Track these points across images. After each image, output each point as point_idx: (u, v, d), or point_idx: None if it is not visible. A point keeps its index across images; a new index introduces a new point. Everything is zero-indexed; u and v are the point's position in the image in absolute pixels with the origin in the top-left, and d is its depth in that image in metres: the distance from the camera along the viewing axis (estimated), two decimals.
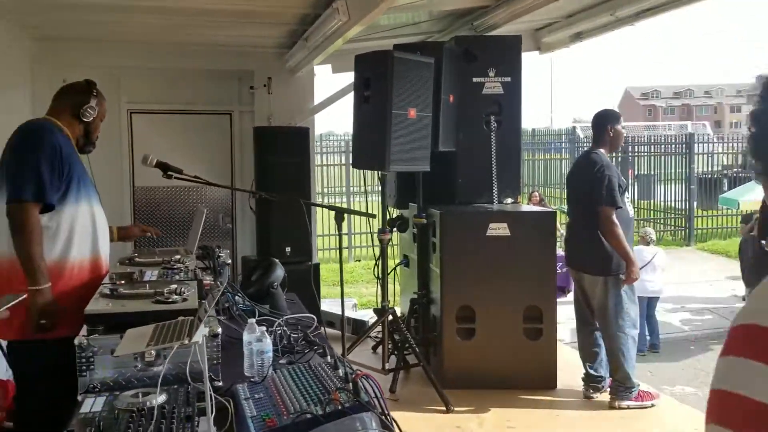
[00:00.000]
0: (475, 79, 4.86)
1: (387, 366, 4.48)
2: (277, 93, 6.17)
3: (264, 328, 2.32)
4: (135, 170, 6.12)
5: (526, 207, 5.11)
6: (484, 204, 4.87)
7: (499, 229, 4.41)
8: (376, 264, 4.86)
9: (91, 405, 1.96)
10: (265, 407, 1.91)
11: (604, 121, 4.43)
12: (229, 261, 3.40)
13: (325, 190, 12.05)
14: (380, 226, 4.36)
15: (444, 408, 4.15)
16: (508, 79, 4.88)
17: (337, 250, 10.61)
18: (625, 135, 4.71)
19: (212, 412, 1.89)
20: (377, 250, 4.55)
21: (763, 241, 3.07)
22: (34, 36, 5.52)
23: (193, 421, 1.83)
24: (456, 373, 4.48)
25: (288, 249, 5.25)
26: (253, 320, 2.38)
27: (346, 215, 3.02)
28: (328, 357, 2.48)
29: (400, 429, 1.95)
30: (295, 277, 5.10)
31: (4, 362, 2.82)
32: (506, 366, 4.45)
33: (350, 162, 11.73)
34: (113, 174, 5.92)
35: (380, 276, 5.29)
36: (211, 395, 1.85)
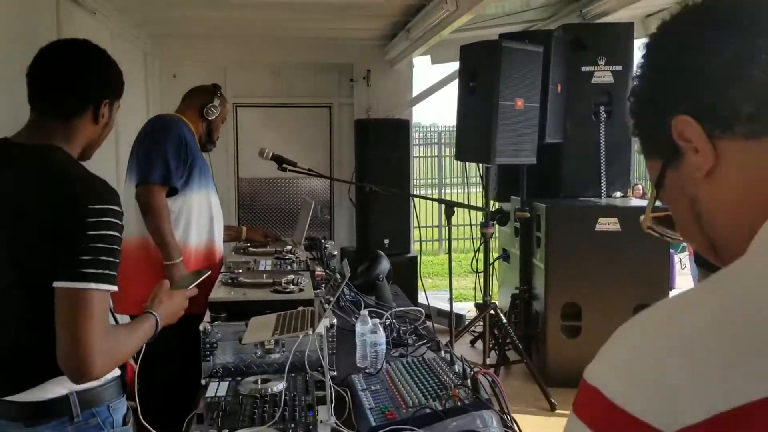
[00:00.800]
0: (584, 68, 4.69)
1: (487, 361, 4.41)
2: (376, 85, 6.20)
3: (377, 320, 2.32)
4: (240, 162, 6.30)
5: (636, 201, 4.88)
6: (591, 198, 4.70)
7: (609, 225, 4.24)
8: (474, 257, 4.79)
9: (216, 389, 2.01)
10: (383, 400, 1.90)
11: None
12: (335, 252, 3.43)
13: (419, 182, 11.97)
14: (482, 219, 4.28)
15: (548, 407, 4.04)
16: (619, 67, 4.67)
17: (434, 242, 10.63)
18: None
19: (332, 402, 1.90)
20: (470, 243, 4.47)
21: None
22: (148, 32, 5.77)
23: (314, 409, 1.84)
24: (559, 372, 4.35)
25: (387, 241, 5.25)
26: (366, 312, 2.38)
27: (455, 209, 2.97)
28: (442, 351, 2.46)
29: (519, 428, 1.90)
30: (394, 269, 5.16)
31: None
32: None
33: (448, 154, 11.72)
34: (220, 165, 6.12)
35: (481, 270, 5.26)
36: (330, 385, 1.87)
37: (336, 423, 1.81)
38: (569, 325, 4.36)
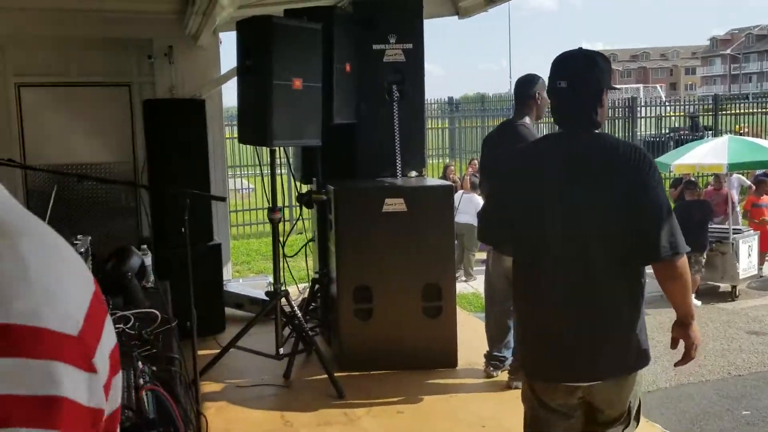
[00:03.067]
0: (375, 47, 4.60)
1: (281, 351, 4.28)
2: (179, 62, 5.81)
3: None
4: (26, 148, 5.72)
5: (431, 180, 4.91)
6: (387, 178, 4.65)
7: (395, 205, 4.21)
8: (282, 244, 4.64)
9: None
10: None
11: (528, 88, 4.09)
12: (84, 249, 3.12)
13: (234, 164, 11.46)
14: (269, 205, 4.11)
15: (335, 393, 3.98)
16: (410, 45, 4.63)
17: (243, 227, 10.32)
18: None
19: None
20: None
21: None
22: None
23: None
24: (355, 356, 4.31)
25: (183, 229, 4.93)
26: None
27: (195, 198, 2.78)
28: (163, 361, 2.27)
29: None
30: (193, 258, 4.88)
31: None
32: (406, 346, 4.30)
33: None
34: (5, 152, 5.51)
35: (290, 255, 5.11)
36: None
37: None
38: (361, 308, 4.31)
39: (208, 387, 4.20)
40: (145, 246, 3.26)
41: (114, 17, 5.56)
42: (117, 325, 2.50)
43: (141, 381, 1.84)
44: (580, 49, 2.36)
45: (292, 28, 3.84)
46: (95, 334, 0.61)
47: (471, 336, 4.63)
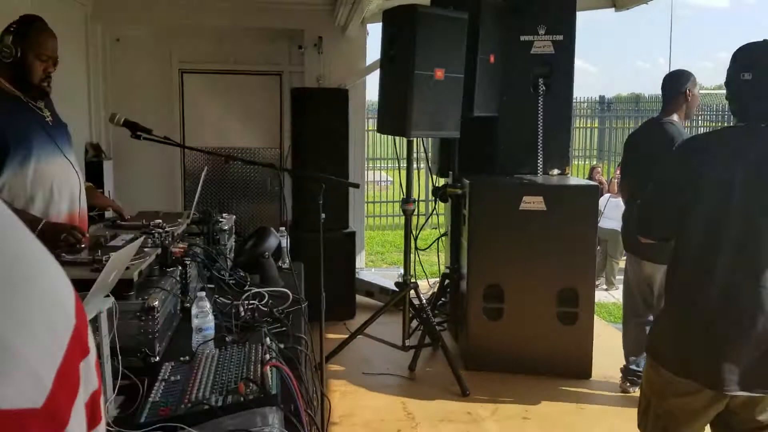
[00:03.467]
0: (522, 38, 4.44)
1: (407, 343, 4.27)
2: (327, 53, 5.97)
3: (207, 303, 2.15)
4: (186, 130, 6.12)
5: (574, 180, 4.67)
6: (527, 175, 4.49)
7: (533, 203, 4.04)
8: (414, 236, 4.64)
9: None
10: (172, 393, 1.75)
11: (678, 84, 3.83)
12: (228, 227, 3.25)
13: (375, 156, 11.54)
14: (404, 196, 4.10)
15: (459, 391, 3.90)
16: (560, 37, 4.42)
17: (379, 219, 10.39)
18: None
19: (114, 392, 1.75)
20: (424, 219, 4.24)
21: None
22: None
23: None
24: (481, 355, 4.21)
25: (323, 215, 5.05)
26: (203, 293, 2.21)
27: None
28: (291, 339, 2.31)
29: (319, 427, 1.75)
30: (329, 244, 4.98)
31: None
32: (536, 351, 4.13)
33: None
34: (167, 133, 5.92)
35: (422, 248, 5.09)
36: (111, 373, 1.72)
37: (109, 418, 1.66)
38: (491, 307, 4.19)
39: (334, 370, 4.28)
40: (283, 228, 3.34)
41: (270, 8, 5.81)
42: (251, 301, 2.58)
43: (267, 356, 1.87)
44: (766, 40, 2.16)
45: (436, 17, 3.78)
46: (70, 391, 0.47)
47: (607, 347, 4.37)
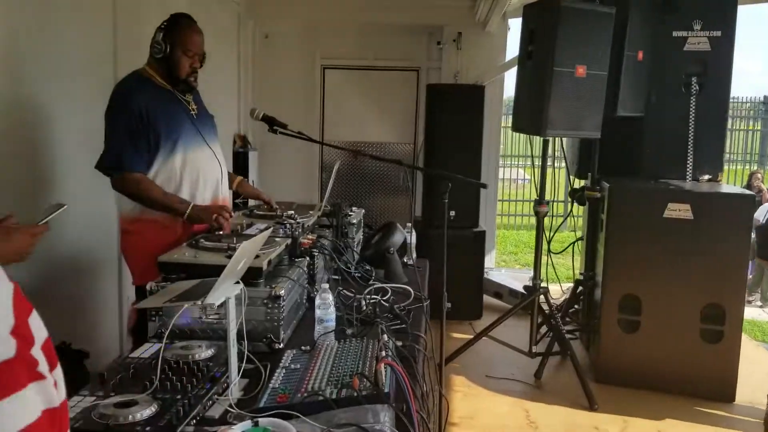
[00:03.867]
0: (675, 33, 4.14)
1: (535, 349, 4.13)
2: (466, 49, 5.92)
3: (329, 296, 2.19)
4: (325, 124, 6.31)
5: (726, 187, 4.29)
6: (673, 180, 4.19)
7: (679, 211, 3.76)
8: (548, 239, 4.50)
9: (145, 350, 1.99)
10: (291, 380, 1.79)
11: None
12: (356, 221, 3.30)
13: (510, 153, 11.17)
14: (536, 197, 3.96)
15: (587, 404, 3.72)
16: (718, 33, 4.08)
17: (514, 218, 10.10)
18: None
19: (238, 375, 1.82)
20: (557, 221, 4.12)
21: None
22: None
23: (217, 382, 1.77)
24: (613, 368, 3.99)
25: (452, 213, 5.03)
26: (326, 286, 2.26)
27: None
28: (409, 336, 2.30)
29: (428, 428, 1.72)
30: (457, 242, 4.95)
31: None
32: (674, 368, 3.85)
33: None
34: (306, 127, 6.15)
35: (556, 251, 4.91)
36: (233, 358, 1.78)
37: (232, 400, 1.73)
38: (627, 319, 3.95)
39: (457, 370, 4.24)
40: (410, 224, 3.33)
41: (411, 4, 5.85)
42: (374, 296, 2.60)
43: (382, 353, 1.87)
44: None
45: (580, 11, 3.61)
46: (28, 340, 0.59)
47: (755, 369, 3.99)
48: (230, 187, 3.18)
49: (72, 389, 1.66)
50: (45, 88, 3.10)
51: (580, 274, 4.59)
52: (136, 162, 2.69)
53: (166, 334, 1.78)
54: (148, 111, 2.68)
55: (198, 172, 2.86)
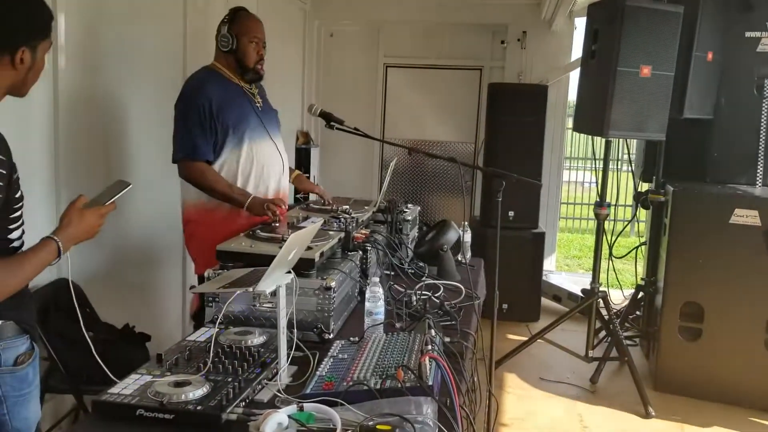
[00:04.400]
0: (748, 34, 3.99)
1: (591, 354, 4.07)
2: (530, 48, 5.85)
3: (379, 289, 2.23)
4: (386, 122, 6.36)
5: None
6: (742, 185, 4.04)
7: (747, 217, 3.63)
8: (610, 242, 4.42)
9: (201, 335, 2.07)
10: (338, 369, 1.84)
11: None
12: (411, 217, 3.33)
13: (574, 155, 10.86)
14: (597, 199, 3.90)
15: (643, 412, 3.64)
16: None
17: (579, 221, 9.84)
18: None
19: (287, 361, 1.88)
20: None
21: None
22: None
23: (267, 368, 1.83)
24: (672, 376, 3.89)
25: (511, 213, 4.99)
26: (377, 279, 2.29)
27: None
28: (459, 334, 2.31)
29: (471, 422, 1.74)
30: (515, 243, 4.91)
31: None
32: (736, 379, 3.72)
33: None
34: (367, 125, 6.21)
35: (618, 256, 4.81)
36: (283, 345, 1.84)
37: (281, 385, 1.79)
38: (689, 327, 3.84)
39: (511, 371, 4.21)
40: (465, 222, 3.34)
41: (476, 3, 5.83)
42: (425, 292, 2.62)
43: (428, 347, 1.89)
44: None
45: (647, 10, 3.52)
46: None
47: None
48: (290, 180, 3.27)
49: (132, 368, 1.76)
50: (119, 85, 3.27)
51: (642, 279, 4.49)
52: (202, 152, 2.81)
53: (219, 318, 1.85)
54: (217, 104, 2.80)
55: (262, 165, 2.97)
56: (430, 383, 1.72)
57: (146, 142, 3.46)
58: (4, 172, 1.58)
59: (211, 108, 2.79)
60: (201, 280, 3.02)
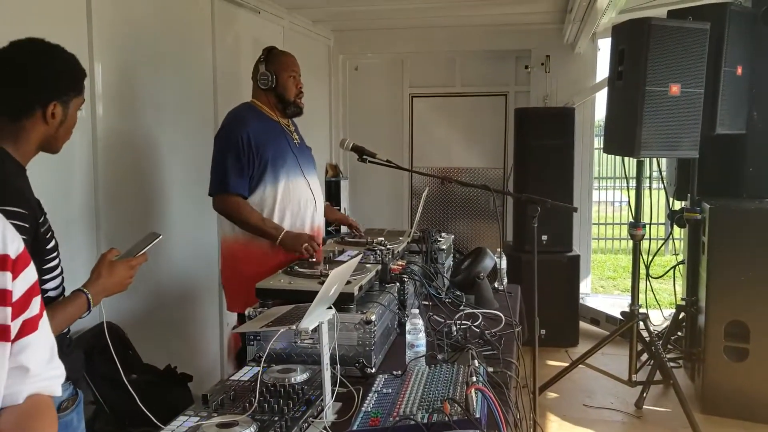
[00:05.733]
0: None
1: (635, 378, 3.98)
2: (555, 71, 5.86)
3: (420, 321, 2.22)
4: (414, 151, 6.39)
5: None
6: None
7: None
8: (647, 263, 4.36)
9: (244, 374, 2.08)
10: (383, 404, 1.83)
11: None
12: (446, 246, 3.33)
13: (604, 176, 10.75)
14: (632, 219, 3.85)
15: None
16: None
17: (620, 240, 9.73)
18: None
19: (332, 398, 1.87)
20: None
21: None
22: (331, 28, 6.09)
23: (313, 405, 1.83)
24: (720, 398, 3.79)
25: (545, 237, 4.95)
26: (416, 311, 2.29)
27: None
28: (501, 363, 2.29)
29: None
30: (551, 267, 4.86)
31: None
32: None
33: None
34: (395, 155, 6.24)
35: (656, 276, 4.73)
36: (327, 381, 1.84)
37: (327, 423, 1.78)
38: (734, 347, 3.75)
39: (552, 399, 4.14)
40: (500, 249, 3.32)
41: (498, 30, 5.87)
42: (464, 321, 2.61)
43: (474, 379, 1.87)
44: None
45: (672, 29, 3.51)
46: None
47: None
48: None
49: (178, 411, 1.77)
50: (153, 128, 3.35)
51: (682, 299, 4.40)
52: (239, 185, 2.86)
53: (264, 357, 1.86)
54: (256, 138, 2.86)
55: (298, 203, 3.01)
56: (478, 415, 1.70)
57: (181, 181, 3.53)
58: (27, 225, 1.56)
59: (250, 142, 2.84)
60: (241, 318, 3.04)
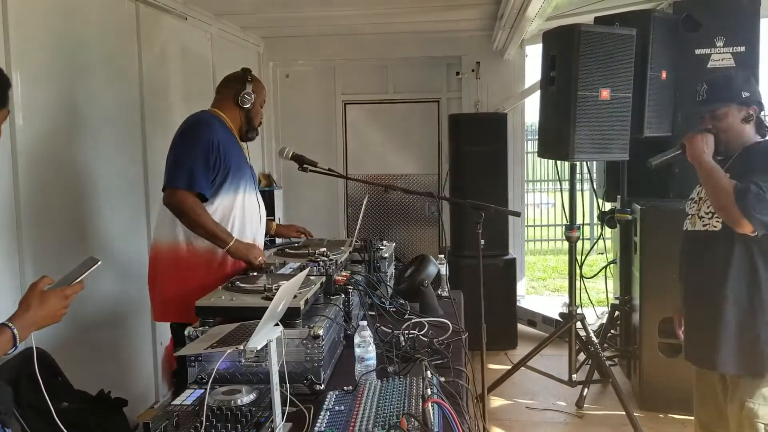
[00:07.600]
0: (698, 51, 4.11)
1: (575, 378, 4.05)
2: (485, 78, 5.94)
3: (368, 333, 2.16)
4: (348, 159, 6.34)
5: None
6: None
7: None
8: (580, 264, 4.44)
9: (186, 397, 1.97)
10: (337, 422, 1.76)
11: None
12: (388, 254, 3.29)
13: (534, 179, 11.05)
14: (567, 222, 3.92)
15: None
16: (742, 48, 4.04)
17: (552, 242, 10.00)
18: None
19: (282, 419, 1.80)
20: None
21: None
22: (260, 35, 5.97)
23: (263, 428, 1.74)
24: (657, 395, 3.89)
25: (482, 241, 4.96)
26: (365, 323, 2.23)
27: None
28: (452, 372, 2.26)
29: None
30: (489, 271, 4.88)
31: None
32: None
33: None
34: (330, 163, 6.15)
35: (588, 276, 4.84)
36: (276, 402, 1.76)
37: None
38: (668, 343, 3.86)
39: (496, 403, 4.16)
40: (442, 256, 3.31)
41: (429, 37, 5.90)
42: (411, 331, 2.57)
43: (429, 391, 1.83)
44: None
45: (600, 35, 3.60)
46: None
47: None
48: (270, 233, 3.32)
49: None
50: (77, 135, 3.17)
51: (615, 298, 4.52)
52: (203, 186, 2.77)
53: (210, 380, 1.76)
54: (224, 146, 2.80)
55: (250, 216, 2.97)
56: (436, 429, 1.66)
57: (109, 195, 3.36)
58: None
59: (219, 146, 2.77)
60: (175, 333, 2.91)
